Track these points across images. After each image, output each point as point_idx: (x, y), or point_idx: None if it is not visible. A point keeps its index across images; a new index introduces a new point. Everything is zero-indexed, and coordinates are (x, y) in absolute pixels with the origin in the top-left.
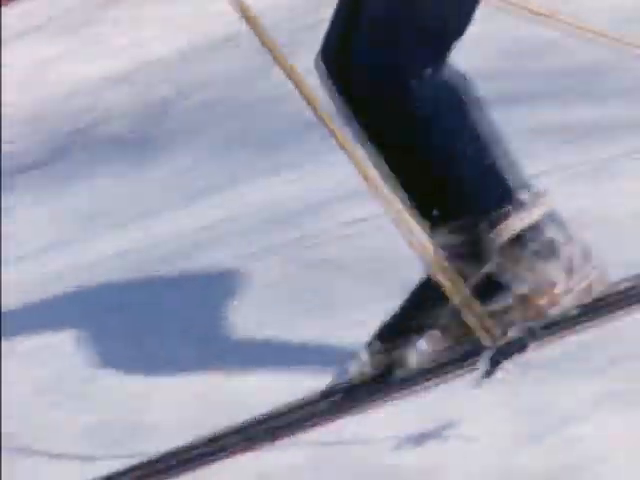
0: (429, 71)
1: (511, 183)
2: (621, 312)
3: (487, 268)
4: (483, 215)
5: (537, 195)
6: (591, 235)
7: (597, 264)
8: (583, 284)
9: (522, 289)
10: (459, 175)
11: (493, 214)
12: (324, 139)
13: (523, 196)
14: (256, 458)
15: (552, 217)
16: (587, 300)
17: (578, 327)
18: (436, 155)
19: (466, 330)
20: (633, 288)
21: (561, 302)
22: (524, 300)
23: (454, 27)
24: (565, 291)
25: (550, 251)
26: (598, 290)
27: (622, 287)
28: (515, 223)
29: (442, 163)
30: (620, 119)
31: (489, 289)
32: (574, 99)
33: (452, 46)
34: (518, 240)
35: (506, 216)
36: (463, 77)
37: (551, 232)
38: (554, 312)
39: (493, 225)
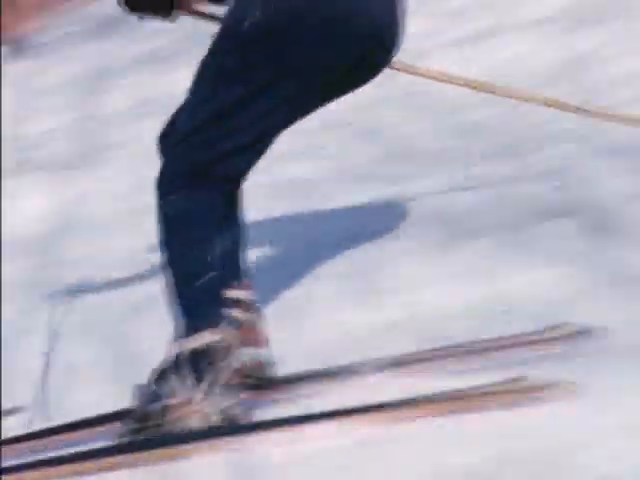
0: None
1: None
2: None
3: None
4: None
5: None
6: None
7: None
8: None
9: (169, 401)
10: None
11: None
12: None
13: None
14: None
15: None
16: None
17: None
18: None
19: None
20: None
21: (190, 418)
22: (166, 409)
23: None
24: (194, 411)
25: (198, 377)
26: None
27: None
28: (189, 343)
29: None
30: None
31: (151, 393)
32: None
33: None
34: (184, 360)
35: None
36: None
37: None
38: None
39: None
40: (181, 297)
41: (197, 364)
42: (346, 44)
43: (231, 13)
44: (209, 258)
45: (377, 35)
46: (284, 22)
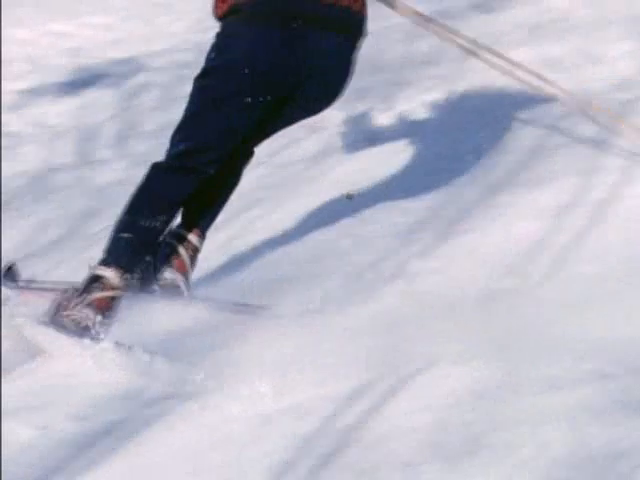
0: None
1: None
2: None
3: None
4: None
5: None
6: None
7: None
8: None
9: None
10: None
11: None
12: None
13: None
14: None
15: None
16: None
17: None
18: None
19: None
20: None
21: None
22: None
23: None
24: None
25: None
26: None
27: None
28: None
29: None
30: None
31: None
32: None
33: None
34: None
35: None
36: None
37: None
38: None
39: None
40: (114, 235)
41: (88, 284)
42: (258, 83)
43: (207, 53)
44: (147, 222)
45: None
46: (224, 64)
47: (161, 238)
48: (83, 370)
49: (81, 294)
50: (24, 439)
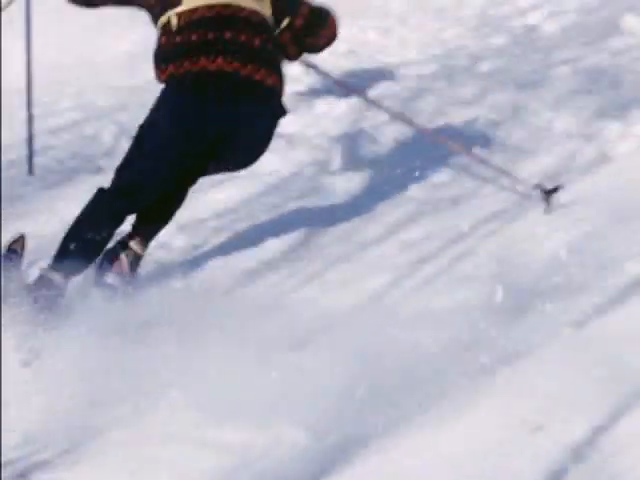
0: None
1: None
2: None
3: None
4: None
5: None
6: None
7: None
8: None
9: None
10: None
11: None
12: None
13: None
14: None
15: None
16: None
17: None
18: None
19: None
20: None
21: None
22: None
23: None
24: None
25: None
26: None
27: None
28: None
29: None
30: None
31: None
32: None
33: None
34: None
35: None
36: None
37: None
38: None
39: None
40: (63, 242)
41: (37, 285)
42: (177, 140)
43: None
44: (91, 235)
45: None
46: (152, 122)
47: (104, 249)
48: None
49: (30, 292)
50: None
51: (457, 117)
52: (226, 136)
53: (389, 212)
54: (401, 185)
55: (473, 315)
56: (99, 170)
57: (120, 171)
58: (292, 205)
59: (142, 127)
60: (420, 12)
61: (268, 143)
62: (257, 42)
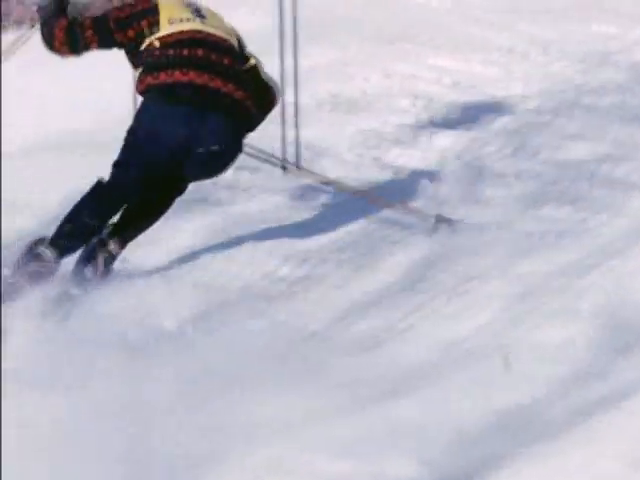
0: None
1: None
2: None
3: None
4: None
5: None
6: None
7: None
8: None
9: None
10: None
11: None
12: None
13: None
14: None
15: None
16: None
17: None
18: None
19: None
20: None
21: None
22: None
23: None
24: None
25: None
26: None
27: None
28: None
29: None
30: None
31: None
32: None
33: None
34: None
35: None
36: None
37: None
38: None
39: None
40: (61, 222)
41: (28, 258)
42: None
43: None
44: (87, 220)
45: (166, 138)
46: (133, 129)
47: (93, 239)
48: None
49: (22, 265)
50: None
51: (564, 151)
52: (195, 142)
53: (498, 245)
54: (509, 219)
55: (582, 351)
56: (204, 200)
57: (113, 168)
58: (403, 238)
59: (127, 132)
60: (526, 45)
61: (234, 153)
62: (226, 61)
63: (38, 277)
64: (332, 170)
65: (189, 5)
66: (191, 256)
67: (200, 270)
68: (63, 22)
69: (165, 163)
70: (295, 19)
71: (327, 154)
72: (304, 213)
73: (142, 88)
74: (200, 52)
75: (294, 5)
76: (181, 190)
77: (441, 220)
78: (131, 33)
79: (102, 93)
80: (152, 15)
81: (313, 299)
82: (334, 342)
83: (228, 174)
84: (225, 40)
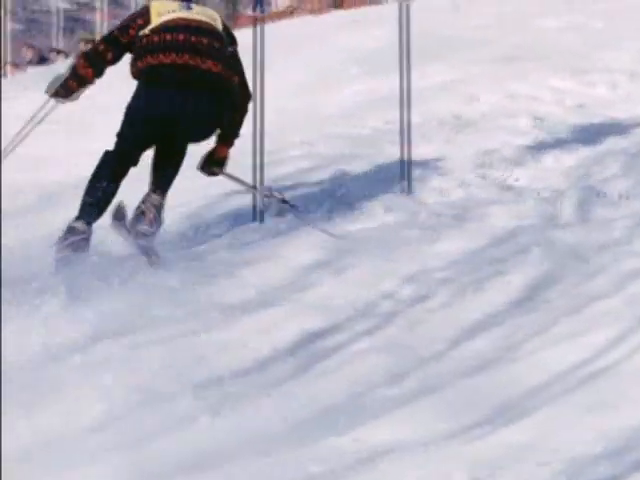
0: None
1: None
2: None
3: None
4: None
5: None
6: None
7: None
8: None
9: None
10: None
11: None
12: None
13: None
14: None
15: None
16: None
17: None
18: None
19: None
20: None
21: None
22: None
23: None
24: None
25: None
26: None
27: None
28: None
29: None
30: None
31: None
32: None
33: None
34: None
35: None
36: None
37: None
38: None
39: None
40: (83, 197)
41: (66, 232)
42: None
43: None
44: (103, 185)
45: (153, 114)
46: (128, 107)
47: (113, 197)
48: None
49: (64, 238)
50: None
51: None
52: (179, 117)
53: (614, 266)
54: (626, 240)
55: None
56: (328, 218)
57: (116, 138)
58: (518, 258)
59: (125, 109)
60: None
61: (215, 116)
62: (205, 40)
63: (76, 246)
64: (452, 190)
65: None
66: (309, 275)
67: (317, 290)
68: (78, 55)
69: (155, 135)
70: (408, 39)
71: (447, 174)
72: (422, 234)
73: (134, 72)
74: (181, 36)
75: (407, 25)
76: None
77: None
78: (132, 32)
79: None
80: (145, 13)
81: (430, 320)
82: (449, 363)
83: (354, 192)
84: (207, 23)
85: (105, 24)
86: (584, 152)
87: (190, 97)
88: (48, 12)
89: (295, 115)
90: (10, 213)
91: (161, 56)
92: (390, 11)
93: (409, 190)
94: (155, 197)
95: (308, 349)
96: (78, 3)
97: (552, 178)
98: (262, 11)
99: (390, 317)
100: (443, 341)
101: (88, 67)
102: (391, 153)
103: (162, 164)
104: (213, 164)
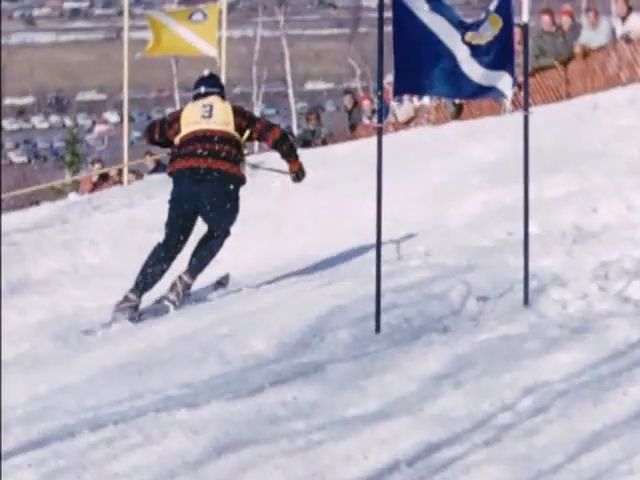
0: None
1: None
2: None
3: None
4: None
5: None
6: None
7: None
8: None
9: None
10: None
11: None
12: None
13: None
14: None
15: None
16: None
17: None
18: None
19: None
20: None
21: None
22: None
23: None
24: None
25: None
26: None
27: None
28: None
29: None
30: None
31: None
32: None
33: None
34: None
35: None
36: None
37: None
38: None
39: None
40: (137, 276)
41: (124, 300)
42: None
43: None
44: (152, 269)
45: (181, 201)
46: (169, 202)
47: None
48: None
49: (120, 303)
50: None
51: None
52: (203, 201)
53: None
54: None
55: None
56: (446, 330)
57: (164, 228)
58: (637, 370)
59: (168, 201)
60: None
61: (229, 203)
62: (217, 147)
63: (125, 310)
64: (572, 302)
65: (204, 106)
66: (431, 385)
67: (437, 400)
68: (145, 129)
69: (187, 218)
70: (527, 150)
71: (568, 285)
72: (541, 346)
73: (170, 171)
74: (199, 145)
75: (525, 137)
76: (226, 233)
77: None
78: (172, 133)
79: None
80: (178, 121)
81: (549, 431)
82: (567, 475)
83: (472, 304)
84: (220, 131)
85: None
86: None
87: (204, 186)
88: None
89: (417, 226)
90: None
91: (183, 162)
92: (508, 122)
93: (528, 302)
94: (187, 277)
95: (426, 460)
96: None
97: None
98: (380, 120)
99: (508, 428)
100: (561, 453)
101: (146, 138)
102: (513, 264)
103: (199, 249)
104: (292, 175)
